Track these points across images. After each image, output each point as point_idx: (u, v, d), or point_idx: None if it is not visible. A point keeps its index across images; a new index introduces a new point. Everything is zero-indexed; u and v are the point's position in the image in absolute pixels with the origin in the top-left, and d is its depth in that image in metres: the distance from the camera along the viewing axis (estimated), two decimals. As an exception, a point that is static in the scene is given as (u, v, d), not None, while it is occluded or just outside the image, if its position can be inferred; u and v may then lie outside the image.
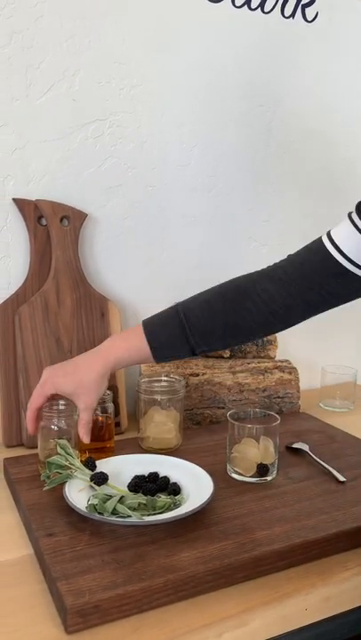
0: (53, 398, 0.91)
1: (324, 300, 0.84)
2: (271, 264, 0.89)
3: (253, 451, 0.92)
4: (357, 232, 0.80)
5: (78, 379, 0.88)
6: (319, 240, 0.85)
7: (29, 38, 1.10)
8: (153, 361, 0.89)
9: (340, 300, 0.84)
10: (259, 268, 1.41)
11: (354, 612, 0.75)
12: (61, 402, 0.94)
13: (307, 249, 0.86)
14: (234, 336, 0.89)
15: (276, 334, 1.37)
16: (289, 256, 0.88)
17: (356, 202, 0.83)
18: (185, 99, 1.26)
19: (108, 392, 1.01)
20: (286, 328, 0.88)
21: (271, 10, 1.31)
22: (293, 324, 0.88)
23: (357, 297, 0.84)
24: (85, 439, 0.90)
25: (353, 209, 0.83)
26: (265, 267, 0.90)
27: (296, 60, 1.37)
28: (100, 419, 0.99)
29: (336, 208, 1.50)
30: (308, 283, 0.83)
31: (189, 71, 1.25)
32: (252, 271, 0.90)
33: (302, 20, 1.35)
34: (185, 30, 1.23)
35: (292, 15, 1.34)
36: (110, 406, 1.01)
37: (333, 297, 0.83)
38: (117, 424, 1.18)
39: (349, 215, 0.83)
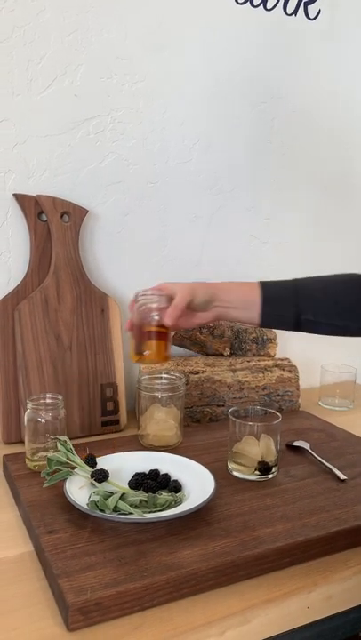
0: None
1: None
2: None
3: (254, 449, 0.92)
4: None
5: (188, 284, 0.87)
6: None
7: (31, 32, 1.09)
8: (256, 317, 0.86)
9: None
10: (260, 266, 1.42)
11: (355, 611, 0.75)
12: (49, 395, 0.97)
13: None
14: (342, 316, 0.84)
15: (276, 332, 1.37)
16: None
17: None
18: (187, 96, 1.26)
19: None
20: None
21: (274, 7, 1.31)
22: None
23: None
24: (168, 321, 0.85)
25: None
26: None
27: (298, 57, 1.37)
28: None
29: (338, 206, 1.50)
30: None
31: (192, 68, 1.25)
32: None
33: (305, 17, 1.35)
34: (187, 27, 1.23)
35: (295, 12, 1.34)
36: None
37: None
38: (117, 421, 1.18)
39: None
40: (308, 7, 1.35)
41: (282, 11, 1.32)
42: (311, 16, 1.36)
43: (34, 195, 1.13)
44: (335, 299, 0.85)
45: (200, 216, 1.32)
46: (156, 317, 0.86)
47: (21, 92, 1.10)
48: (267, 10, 1.30)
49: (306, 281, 0.87)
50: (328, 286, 0.86)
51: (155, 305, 0.86)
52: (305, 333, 1.53)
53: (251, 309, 0.87)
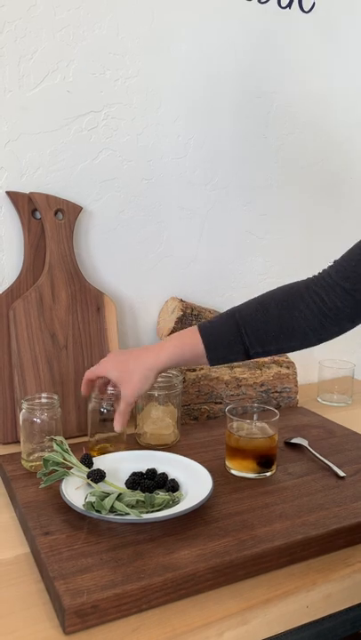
0: (104, 384, 0.96)
1: None
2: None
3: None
4: None
5: (126, 368, 0.89)
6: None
7: (22, 28, 1.08)
8: (206, 362, 0.87)
9: None
10: (256, 262, 1.41)
11: (355, 609, 0.74)
12: (44, 394, 0.96)
13: (350, 251, 0.83)
14: (288, 339, 0.85)
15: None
16: (335, 261, 0.85)
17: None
18: (181, 90, 1.24)
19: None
20: (341, 332, 0.85)
21: (268, 0, 1.29)
22: (347, 329, 0.85)
23: None
24: (118, 428, 0.92)
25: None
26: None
27: (293, 50, 1.35)
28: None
29: (335, 201, 1.49)
30: (352, 284, 0.80)
31: (185, 63, 1.24)
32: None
33: (299, 10, 1.34)
34: (181, 21, 1.21)
35: (289, 5, 1.32)
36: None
37: None
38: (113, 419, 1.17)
39: None
40: (303, 0, 1.33)
41: (276, 3, 1.31)
42: (306, 9, 1.34)
43: (27, 192, 1.12)
44: (277, 325, 0.85)
45: (196, 212, 1.31)
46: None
47: (13, 88, 1.09)
48: (261, 3, 1.29)
49: (244, 313, 0.86)
50: (267, 314, 0.85)
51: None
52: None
53: (199, 359, 0.88)
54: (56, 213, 1.13)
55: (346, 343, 1.57)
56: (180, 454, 0.93)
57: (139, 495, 0.79)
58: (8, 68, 1.08)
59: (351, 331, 1.63)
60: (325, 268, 0.85)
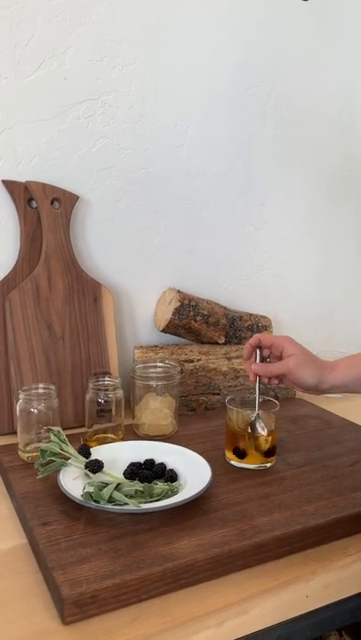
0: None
1: None
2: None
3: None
4: None
5: (308, 360, 0.88)
6: None
7: (18, 13, 1.06)
8: None
9: None
10: (254, 253, 1.40)
11: (354, 599, 0.74)
12: (41, 385, 0.95)
13: None
14: None
15: (271, 320, 1.36)
16: None
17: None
18: (178, 79, 1.23)
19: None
20: None
21: (266, -13, 1.28)
22: None
23: None
24: (251, 377, 0.90)
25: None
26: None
27: (291, 40, 1.34)
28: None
29: (333, 191, 1.48)
30: None
31: (183, 51, 1.22)
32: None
33: (298, -2, 1.32)
34: (178, 9, 1.20)
35: (288, -7, 1.31)
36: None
37: None
38: (110, 410, 1.16)
39: None
40: (302, -13, 1.32)
41: (275, -9, 1.29)
42: (304, -3, 1.33)
43: (23, 181, 1.10)
44: None
45: (193, 202, 1.30)
46: None
47: (8, 75, 1.07)
48: (259, -10, 1.27)
49: None
50: None
51: None
52: (298, 321, 1.53)
53: None
54: (52, 202, 1.12)
55: (344, 334, 1.57)
56: (179, 445, 0.93)
57: (137, 485, 0.78)
58: (4, 55, 1.06)
59: (348, 321, 1.63)
60: None
